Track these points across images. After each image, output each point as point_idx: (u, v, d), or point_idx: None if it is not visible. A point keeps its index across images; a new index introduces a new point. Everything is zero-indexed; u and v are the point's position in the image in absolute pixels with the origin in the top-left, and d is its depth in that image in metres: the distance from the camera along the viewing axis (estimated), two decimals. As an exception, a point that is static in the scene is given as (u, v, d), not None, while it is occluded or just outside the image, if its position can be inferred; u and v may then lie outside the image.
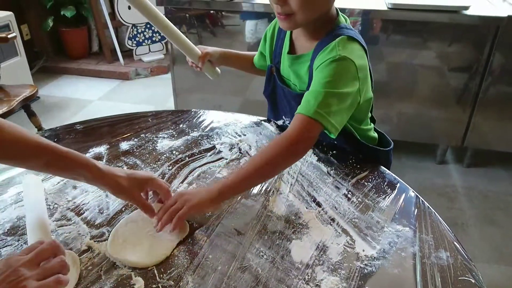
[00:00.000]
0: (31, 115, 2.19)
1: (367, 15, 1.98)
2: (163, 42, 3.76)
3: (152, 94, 3.29)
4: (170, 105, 2.94)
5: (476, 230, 1.93)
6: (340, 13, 0.95)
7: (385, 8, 1.97)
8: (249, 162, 0.85)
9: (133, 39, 3.63)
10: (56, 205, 0.85)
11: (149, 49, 3.75)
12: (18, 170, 0.95)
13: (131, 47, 3.66)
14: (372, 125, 1.09)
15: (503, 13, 1.91)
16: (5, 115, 2.00)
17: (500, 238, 1.88)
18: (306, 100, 0.85)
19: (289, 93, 1.04)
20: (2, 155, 0.70)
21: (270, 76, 1.09)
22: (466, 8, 1.92)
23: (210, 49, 1.15)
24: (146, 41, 3.70)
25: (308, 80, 0.95)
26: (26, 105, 2.14)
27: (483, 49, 2.00)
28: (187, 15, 2.33)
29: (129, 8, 3.51)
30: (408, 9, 1.96)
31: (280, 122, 1.15)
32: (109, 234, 0.77)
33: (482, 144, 2.27)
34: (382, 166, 0.98)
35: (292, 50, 1.01)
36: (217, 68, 1.20)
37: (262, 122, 1.18)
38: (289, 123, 1.08)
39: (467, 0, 2.01)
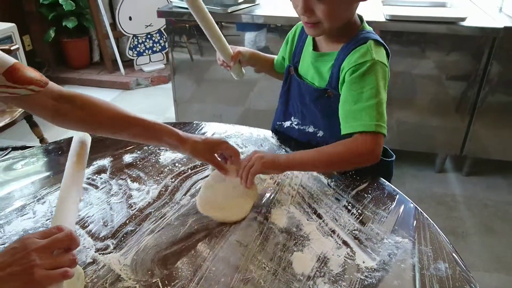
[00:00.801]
0: (33, 125, 2.20)
1: (365, 26, 2.00)
2: (163, 52, 3.79)
3: (152, 104, 3.32)
4: (170, 115, 2.97)
5: (475, 239, 1.94)
6: (364, 20, 1.00)
7: (383, 20, 1.99)
8: (317, 153, 0.92)
9: (134, 49, 3.66)
10: (61, 218, 0.86)
11: (150, 59, 3.78)
12: (21, 183, 0.97)
13: (131, 57, 3.69)
14: None
15: (500, 24, 1.94)
16: (7, 126, 2.02)
17: (500, 247, 1.89)
18: (359, 116, 0.89)
19: (306, 88, 1.05)
20: (103, 131, 0.88)
21: (288, 75, 1.13)
22: (463, 19, 1.95)
23: (241, 48, 1.19)
24: (146, 51, 3.74)
25: (329, 78, 0.99)
26: (28, 116, 2.16)
27: (481, 59, 2.03)
28: (187, 25, 2.36)
29: (130, 19, 3.55)
30: (406, 21, 1.99)
31: (287, 123, 1.16)
32: (113, 247, 0.79)
33: (481, 152, 2.28)
34: (381, 178, 1.00)
35: (315, 48, 1.04)
36: (243, 69, 1.23)
37: (263, 134, 1.20)
38: (296, 124, 1.13)
39: (464, 11, 2.05)
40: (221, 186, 0.94)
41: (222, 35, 1.14)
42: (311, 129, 1.10)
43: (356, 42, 0.94)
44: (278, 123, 1.20)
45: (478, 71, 2.06)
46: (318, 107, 1.04)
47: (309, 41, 1.06)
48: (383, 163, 1.10)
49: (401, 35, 2.08)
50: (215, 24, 1.12)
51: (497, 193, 2.25)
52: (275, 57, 1.25)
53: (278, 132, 1.20)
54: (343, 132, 0.92)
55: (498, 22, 1.98)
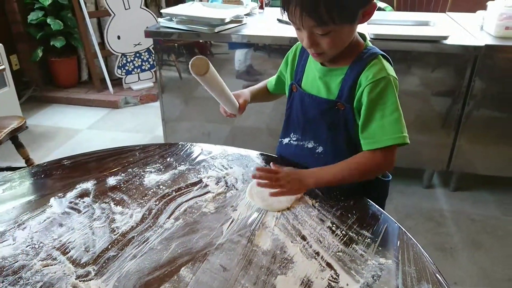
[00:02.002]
0: (19, 146, 2.18)
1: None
2: (152, 70, 3.80)
3: (141, 122, 3.31)
4: (159, 133, 2.96)
5: (464, 254, 1.94)
6: (366, 36, 1.04)
7: (368, 38, 2.02)
8: (347, 169, 0.99)
9: (122, 68, 3.67)
10: (41, 244, 0.85)
11: (139, 78, 3.79)
12: (2, 208, 0.95)
13: (120, 76, 3.70)
14: None
15: (481, 42, 1.99)
16: (-8, 147, 2.00)
17: (488, 262, 1.90)
18: (388, 131, 0.96)
19: (312, 101, 1.07)
20: None
21: (291, 93, 1.14)
22: (445, 38, 1.99)
23: (244, 96, 1.20)
24: (135, 69, 3.75)
25: (338, 92, 1.02)
26: (14, 137, 2.14)
27: (464, 76, 2.07)
28: (176, 44, 2.37)
29: (119, 38, 3.57)
30: (389, 39, 2.03)
31: (286, 140, 1.17)
32: (95, 273, 0.77)
33: (467, 168, 2.31)
34: (366, 198, 1.00)
35: (322, 63, 1.06)
36: None
37: (249, 154, 1.20)
38: (295, 140, 1.14)
39: (446, 30, 2.09)
40: None
41: (229, 91, 1.11)
42: (310, 145, 1.11)
43: (366, 57, 0.98)
44: (279, 140, 1.21)
45: (462, 88, 2.10)
46: (325, 119, 1.06)
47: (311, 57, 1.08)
48: (381, 183, 1.11)
49: (387, 53, 2.09)
50: (225, 85, 1.09)
51: (484, 208, 2.27)
52: (267, 81, 1.28)
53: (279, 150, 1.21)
54: (371, 147, 0.98)
55: (480, 40, 2.03)
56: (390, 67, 1.00)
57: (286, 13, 0.92)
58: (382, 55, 1.00)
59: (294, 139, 1.15)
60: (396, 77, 0.99)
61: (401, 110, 0.97)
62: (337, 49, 0.96)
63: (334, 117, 1.04)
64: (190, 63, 0.93)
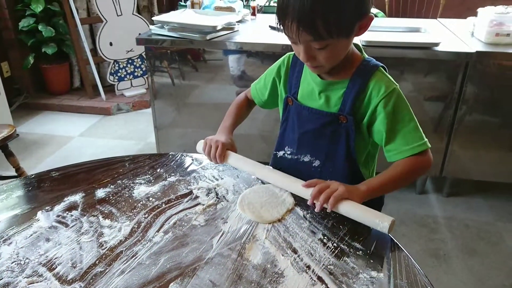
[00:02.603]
0: (9, 155, 2.15)
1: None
2: (145, 76, 3.79)
3: (133, 129, 3.29)
4: (151, 140, 2.95)
5: (458, 261, 1.94)
6: (361, 48, 1.05)
7: (360, 45, 2.02)
8: (391, 179, 0.99)
9: (114, 75, 3.65)
10: (27, 260, 0.83)
11: (131, 84, 3.77)
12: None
13: (112, 83, 3.68)
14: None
15: (472, 49, 2.00)
16: (-19, 157, 1.97)
17: (482, 269, 1.89)
18: (404, 142, 0.99)
19: (312, 115, 1.06)
20: None
21: (286, 106, 1.13)
22: (436, 44, 2.00)
23: (232, 142, 1.17)
24: (128, 76, 3.73)
25: (340, 105, 1.02)
26: (4, 145, 2.11)
27: (456, 81, 2.08)
28: (169, 51, 2.36)
29: (111, 44, 3.55)
30: (381, 46, 2.03)
31: (281, 153, 1.16)
32: (81, 290, 0.76)
33: (460, 173, 2.31)
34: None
35: (320, 76, 1.04)
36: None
37: (240, 164, 1.19)
38: (290, 154, 1.14)
39: (437, 37, 2.10)
40: (264, 193, 1.03)
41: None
42: (306, 158, 1.10)
43: (368, 69, 1.00)
44: (274, 152, 1.19)
45: (454, 93, 2.10)
46: (326, 132, 1.05)
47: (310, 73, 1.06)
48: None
49: (380, 59, 2.09)
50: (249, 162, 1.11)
51: (478, 214, 2.27)
52: (241, 100, 1.26)
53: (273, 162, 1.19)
54: (397, 159, 1.00)
55: (471, 46, 2.04)
56: (391, 77, 1.02)
57: (282, 27, 0.91)
58: (383, 67, 1.02)
59: (288, 152, 1.14)
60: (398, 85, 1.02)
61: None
62: (334, 62, 0.96)
63: (336, 130, 1.04)
64: None
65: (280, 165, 1.15)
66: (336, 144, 1.05)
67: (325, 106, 1.04)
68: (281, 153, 1.16)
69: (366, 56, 1.04)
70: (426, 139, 1.00)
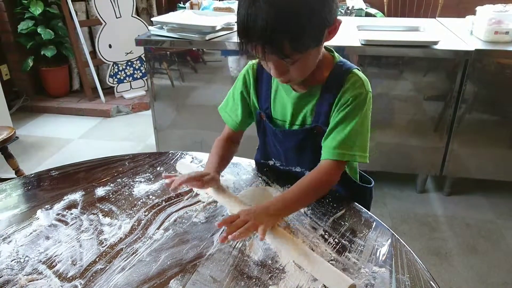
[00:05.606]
0: (8, 157, 2.15)
1: (342, 51, 2.04)
2: (144, 78, 3.79)
3: (133, 131, 3.29)
4: (151, 141, 2.94)
5: (459, 259, 1.93)
6: (333, 50, 1.00)
7: (359, 45, 2.03)
8: (301, 193, 0.93)
9: (114, 77, 3.65)
10: (27, 258, 0.83)
11: (131, 86, 3.77)
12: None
13: (112, 85, 3.68)
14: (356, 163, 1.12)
15: (471, 47, 2.00)
16: (-19, 159, 1.97)
17: (484, 267, 1.89)
18: (337, 144, 0.94)
19: (288, 134, 1.04)
20: None
21: (260, 121, 1.09)
22: (435, 43, 2.00)
23: (212, 180, 1.00)
24: (127, 78, 3.73)
25: (313, 117, 0.99)
26: (3, 148, 2.11)
27: (455, 80, 2.08)
28: (168, 52, 2.36)
29: (110, 46, 3.55)
30: (380, 45, 2.03)
31: (271, 162, 1.15)
32: (82, 287, 0.75)
33: (461, 172, 2.31)
34: (358, 204, 0.99)
35: (292, 87, 1.01)
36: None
37: (240, 162, 1.18)
38: (280, 165, 1.12)
39: (436, 35, 2.10)
40: (260, 195, 1.02)
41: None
42: (298, 169, 1.09)
43: (340, 75, 0.96)
44: (261, 161, 1.17)
45: (453, 92, 2.10)
46: (307, 145, 1.03)
47: (279, 85, 1.02)
48: (362, 190, 1.10)
49: (379, 58, 2.12)
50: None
51: (479, 212, 2.26)
52: (222, 140, 1.15)
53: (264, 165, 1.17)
54: (332, 158, 0.95)
55: (470, 45, 2.04)
56: (367, 80, 0.97)
57: (245, 49, 0.84)
58: (357, 69, 0.97)
59: (278, 164, 1.13)
60: (371, 91, 0.97)
61: (368, 126, 0.97)
62: (306, 73, 0.92)
63: (315, 140, 1.00)
64: None
65: (275, 174, 1.12)
66: (319, 153, 0.99)
67: (300, 120, 1.02)
68: (271, 162, 1.15)
69: (338, 58, 0.99)
70: (363, 153, 0.95)
